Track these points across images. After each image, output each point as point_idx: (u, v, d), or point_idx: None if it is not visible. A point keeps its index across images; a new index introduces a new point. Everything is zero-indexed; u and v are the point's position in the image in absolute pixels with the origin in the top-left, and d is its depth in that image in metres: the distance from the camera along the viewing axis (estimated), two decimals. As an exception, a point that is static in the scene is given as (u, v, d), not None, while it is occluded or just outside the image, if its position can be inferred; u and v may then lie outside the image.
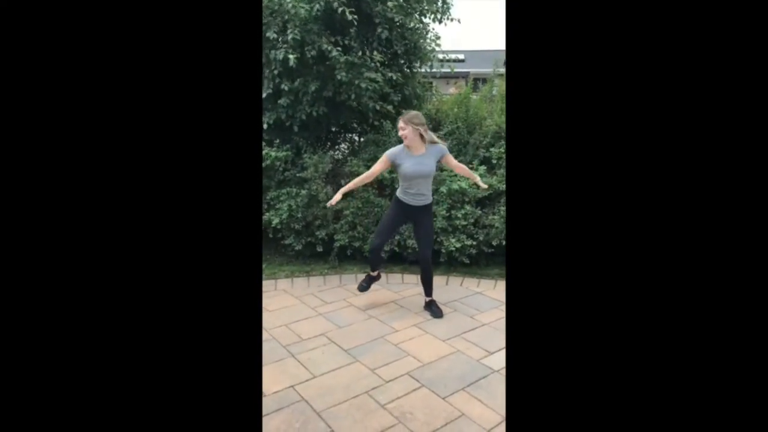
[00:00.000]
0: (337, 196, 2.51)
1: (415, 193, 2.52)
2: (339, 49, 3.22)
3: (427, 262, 2.61)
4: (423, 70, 4.20)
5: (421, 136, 2.42)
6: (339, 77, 3.21)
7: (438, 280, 3.23)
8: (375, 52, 3.40)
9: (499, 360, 2.16)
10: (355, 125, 3.96)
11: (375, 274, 2.81)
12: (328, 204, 2.55)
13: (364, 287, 2.81)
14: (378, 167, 2.50)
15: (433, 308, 2.70)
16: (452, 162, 2.60)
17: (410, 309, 2.77)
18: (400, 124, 2.45)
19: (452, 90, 5.35)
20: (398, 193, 2.58)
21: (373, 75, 3.29)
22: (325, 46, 3.18)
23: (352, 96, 3.35)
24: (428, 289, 2.70)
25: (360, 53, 3.34)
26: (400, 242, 3.38)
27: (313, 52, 3.20)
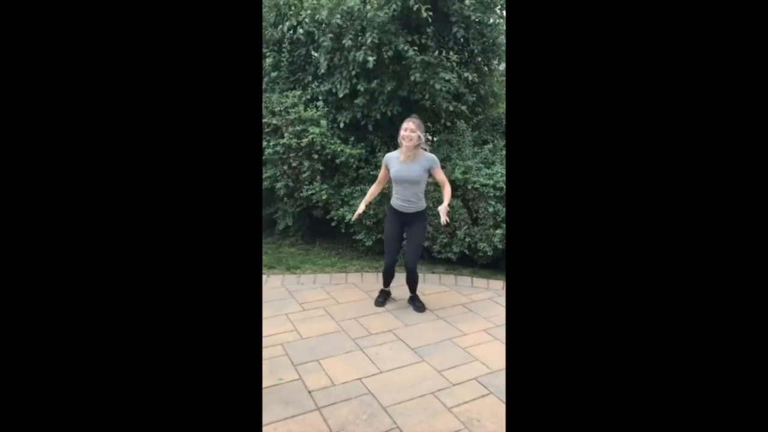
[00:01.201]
0: (360, 210, 2.67)
1: (402, 199, 2.56)
2: (415, 48, 3.22)
3: (412, 271, 2.65)
4: (501, 68, 4.07)
5: (417, 144, 2.48)
6: (413, 78, 3.22)
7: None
8: (451, 52, 3.35)
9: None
10: (429, 125, 3.95)
11: (388, 289, 2.82)
12: (354, 218, 2.74)
13: (380, 302, 2.80)
14: (381, 174, 2.65)
15: (416, 303, 2.75)
16: (440, 176, 2.57)
17: (479, 313, 2.70)
18: (412, 126, 2.45)
19: None
20: (391, 200, 2.64)
21: (447, 76, 3.26)
22: (402, 46, 3.21)
23: (426, 96, 3.34)
24: (413, 288, 2.76)
25: (436, 53, 3.32)
26: (471, 245, 3.31)
27: (390, 53, 3.24)
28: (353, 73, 3.42)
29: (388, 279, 2.76)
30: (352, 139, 3.68)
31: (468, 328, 2.51)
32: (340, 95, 3.52)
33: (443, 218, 2.43)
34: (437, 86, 3.27)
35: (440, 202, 3.37)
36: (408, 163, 2.50)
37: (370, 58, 3.14)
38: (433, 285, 3.17)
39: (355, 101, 3.53)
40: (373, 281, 3.24)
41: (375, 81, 3.41)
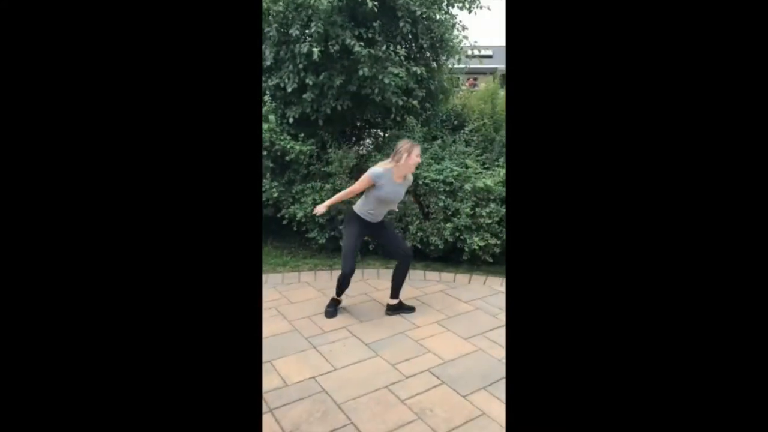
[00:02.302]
0: (323, 208, 2.50)
1: (376, 214, 2.49)
2: (362, 43, 3.21)
3: (410, 257, 2.57)
4: (450, 64, 4.15)
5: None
6: (362, 72, 3.21)
7: (461, 279, 3.21)
8: (398, 47, 3.37)
9: (521, 360, 2.13)
10: (379, 120, 3.96)
11: (340, 298, 2.68)
12: (315, 211, 2.53)
13: (331, 312, 2.61)
14: (361, 186, 2.42)
15: (404, 307, 2.66)
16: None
17: (432, 306, 2.76)
18: (418, 151, 2.38)
19: (465, 86, 5.23)
20: (357, 209, 2.51)
21: (396, 70, 3.27)
22: (349, 40, 3.18)
23: (376, 90, 3.34)
24: (398, 289, 2.62)
25: (384, 47, 3.33)
26: (423, 239, 3.37)
27: (337, 46, 3.21)
28: (300, 66, 3.35)
29: (343, 288, 2.58)
30: (302, 135, 3.61)
31: (421, 321, 2.55)
32: (289, 90, 3.44)
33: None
34: (386, 81, 3.27)
35: (416, 217, 3.37)
36: (400, 185, 2.43)
37: (315, 50, 3.09)
38: (386, 280, 3.18)
39: (304, 96, 3.46)
40: (327, 279, 3.21)
41: (323, 74, 3.36)
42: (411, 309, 2.68)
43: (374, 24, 3.29)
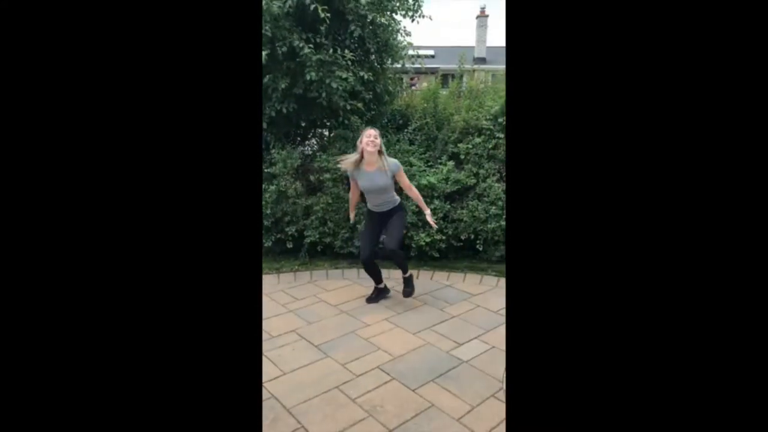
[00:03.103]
0: (351, 216, 2.96)
1: (377, 204, 2.69)
2: (311, 46, 3.17)
3: (394, 253, 2.66)
4: (394, 66, 4.20)
5: (379, 152, 2.56)
6: (308, 77, 3.17)
7: (409, 275, 3.27)
8: (346, 51, 3.37)
9: (468, 351, 2.22)
10: (326, 121, 3.93)
11: (382, 285, 2.85)
12: (352, 220, 2.99)
13: (372, 299, 2.83)
14: (352, 184, 2.73)
15: (406, 286, 2.79)
16: (403, 181, 2.67)
17: (381, 303, 2.79)
18: (375, 133, 2.53)
19: (408, 84, 5.32)
20: (367, 204, 2.76)
21: (344, 74, 3.27)
22: (297, 42, 3.13)
23: (323, 94, 3.32)
24: (403, 269, 2.78)
25: (331, 51, 3.31)
26: (371, 237, 3.39)
27: (284, 49, 3.15)
28: (243, 67, 3.24)
29: (372, 275, 2.77)
30: (245, 135, 3.49)
31: (370, 318, 2.58)
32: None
33: (434, 225, 2.71)
34: (333, 85, 3.26)
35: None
36: (374, 172, 2.56)
37: (263, 53, 3.01)
38: (336, 280, 3.18)
39: (247, 96, 3.35)
40: (274, 283, 3.15)
41: (267, 76, 3.27)
42: (408, 293, 2.79)
43: (322, 28, 3.26)
